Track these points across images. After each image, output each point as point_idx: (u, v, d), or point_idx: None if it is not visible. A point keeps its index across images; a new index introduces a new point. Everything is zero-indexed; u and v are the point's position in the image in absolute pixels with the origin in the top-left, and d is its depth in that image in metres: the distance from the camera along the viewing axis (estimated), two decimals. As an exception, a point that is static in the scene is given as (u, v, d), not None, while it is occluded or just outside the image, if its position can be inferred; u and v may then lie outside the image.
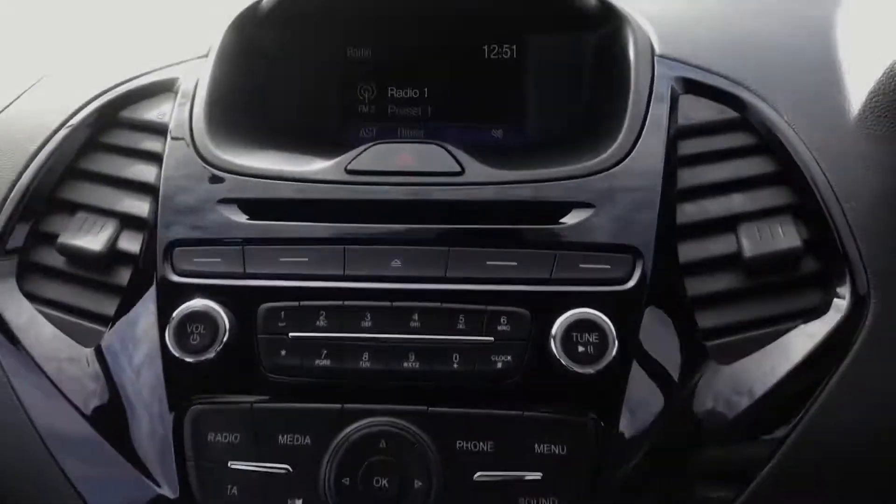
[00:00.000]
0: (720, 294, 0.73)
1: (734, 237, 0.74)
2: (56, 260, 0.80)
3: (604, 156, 0.75)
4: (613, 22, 0.86)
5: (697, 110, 0.80)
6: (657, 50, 0.84)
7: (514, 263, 0.72)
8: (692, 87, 0.82)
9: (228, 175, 0.77)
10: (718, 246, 0.74)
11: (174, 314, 0.71)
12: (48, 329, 0.78)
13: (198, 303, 0.71)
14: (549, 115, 0.90)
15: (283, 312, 0.72)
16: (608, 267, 0.71)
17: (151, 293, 0.75)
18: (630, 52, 0.83)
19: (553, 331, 0.69)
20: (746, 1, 0.97)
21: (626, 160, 0.75)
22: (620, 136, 0.76)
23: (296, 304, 0.72)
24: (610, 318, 0.68)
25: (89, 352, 0.76)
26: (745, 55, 0.85)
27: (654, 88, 0.80)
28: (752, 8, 0.94)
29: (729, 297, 0.73)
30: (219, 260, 0.74)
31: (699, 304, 0.73)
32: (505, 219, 0.74)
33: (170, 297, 0.73)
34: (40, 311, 0.78)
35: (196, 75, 0.85)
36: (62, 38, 0.97)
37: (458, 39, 0.91)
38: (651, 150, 0.75)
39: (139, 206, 0.80)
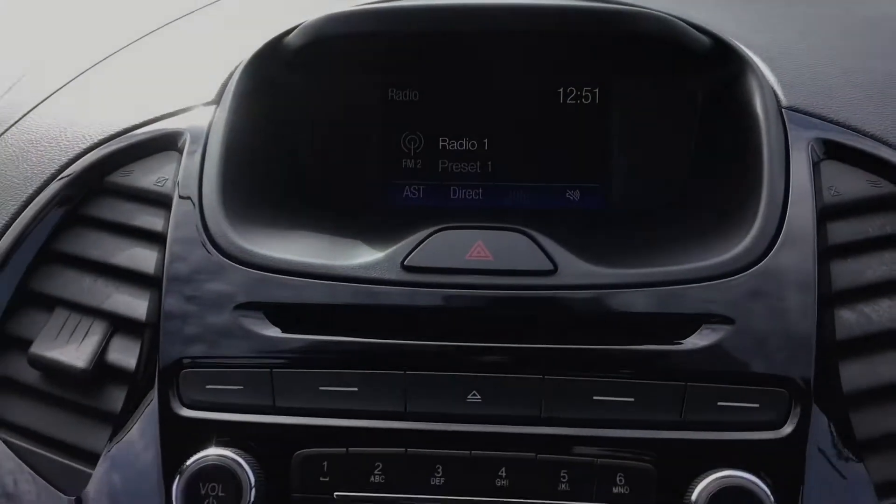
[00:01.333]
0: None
1: None
2: (28, 374, 0.63)
3: (740, 248, 0.58)
4: (731, 65, 0.69)
5: (845, 182, 0.63)
6: (783, 101, 0.67)
7: (631, 399, 0.56)
8: (836, 150, 0.65)
9: (251, 270, 0.59)
10: (889, 370, 0.58)
11: (183, 467, 0.55)
12: (16, 468, 0.61)
13: (213, 454, 0.54)
14: (639, 176, 0.73)
15: (325, 463, 0.56)
16: (756, 406, 0.54)
17: (152, 427, 0.59)
18: (756, 104, 0.66)
19: (693, 499, 0.51)
20: (873, 36, 0.79)
21: (772, 253, 0.58)
22: (759, 220, 0.59)
23: (342, 451, 0.56)
24: (766, 483, 0.51)
25: (69, 502, 0.59)
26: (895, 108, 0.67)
27: (791, 154, 0.63)
28: (885, 46, 0.77)
29: None
30: (240, 388, 0.58)
31: (870, 450, 0.56)
32: (613, 335, 0.57)
33: (176, 438, 0.57)
34: (6, 443, 0.62)
35: (204, 127, 0.67)
36: (37, 81, 0.78)
37: (527, 80, 0.74)
38: (800, 237, 0.59)
39: (134, 306, 0.62)
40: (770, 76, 0.70)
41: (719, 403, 0.55)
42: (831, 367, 0.57)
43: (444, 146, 0.76)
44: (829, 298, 0.59)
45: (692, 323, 0.57)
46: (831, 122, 0.67)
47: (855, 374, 0.58)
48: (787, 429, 0.55)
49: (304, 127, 0.74)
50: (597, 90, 0.74)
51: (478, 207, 0.75)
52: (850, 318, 0.59)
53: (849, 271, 0.60)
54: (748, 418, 0.55)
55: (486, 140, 0.75)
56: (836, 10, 0.86)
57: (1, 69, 0.80)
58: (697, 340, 0.57)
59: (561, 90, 0.74)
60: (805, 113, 0.67)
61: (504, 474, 0.55)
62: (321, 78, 0.74)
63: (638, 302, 0.58)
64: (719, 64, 0.70)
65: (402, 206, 0.75)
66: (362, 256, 0.61)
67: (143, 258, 0.64)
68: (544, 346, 0.57)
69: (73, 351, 0.62)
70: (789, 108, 0.67)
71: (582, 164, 0.74)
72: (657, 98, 0.73)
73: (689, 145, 0.73)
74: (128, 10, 0.91)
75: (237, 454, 0.55)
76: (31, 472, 0.61)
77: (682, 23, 0.68)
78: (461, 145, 0.75)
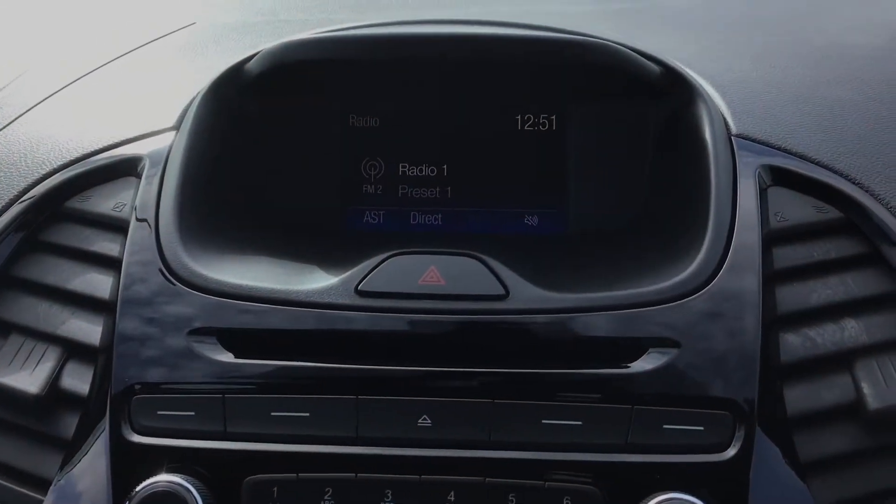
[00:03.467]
0: (838, 458, 0.57)
1: (850, 379, 0.58)
2: None
3: (686, 273, 0.59)
4: (680, 93, 0.70)
5: (791, 208, 0.65)
6: (733, 128, 0.68)
7: (579, 423, 0.56)
8: (782, 177, 0.66)
9: (205, 296, 0.59)
10: (832, 393, 0.59)
11: (133, 493, 0.55)
12: (-32, 496, 0.59)
13: (163, 481, 0.54)
14: (595, 200, 0.74)
15: (275, 489, 0.56)
16: (701, 429, 0.55)
17: (103, 454, 0.58)
18: (705, 131, 0.67)
19: None
20: (824, 64, 0.81)
21: (717, 278, 0.59)
22: (705, 245, 0.60)
23: (293, 476, 0.56)
24: None
25: (21, 530, 0.58)
26: (843, 136, 0.69)
27: (739, 180, 0.64)
28: (836, 74, 0.78)
29: (848, 461, 0.57)
30: (191, 414, 0.58)
31: (814, 472, 0.57)
32: (562, 359, 0.57)
33: (127, 464, 0.57)
34: (-42, 470, 0.60)
35: (164, 152, 0.68)
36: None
37: (484, 107, 0.75)
38: (745, 262, 0.60)
39: (89, 331, 0.62)
40: (721, 103, 0.71)
41: (665, 426, 0.56)
42: (776, 390, 0.58)
43: (404, 172, 0.76)
44: (775, 322, 0.60)
45: (639, 347, 0.58)
46: (779, 148, 0.68)
47: (799, 396, 0.58)
48: (731, 451, 0.55)
49: (264, 152, 0.75)
50: (553, 117, 0.75)
51: (437, 232, 0.75)
52: (794, 342, 0.60)
53: (794, 295, 0.61)
54: (693, 441, 0.56)
55: (445, 166, 0.76)
56: (789, 38, 0.88)
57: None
58: (644, 364, 0.57)
59: (518, 117, 0.75)
60: (753, 140, 0.68)
61: (453, 498, 0.55)
62: (281, 104, 0.74)
63: (586, 326, 0.58)
64: (670, 91, 0.71)
65: (362, 231, 0.75)
66: (317, 281, 0.61)
67: (98, 283, 0.64)
68: (494, 371, 0.57)
69: (27, 377, 0.61)
70: (738, 136, 0.68)
71: (540, 189, 0.75)
72: (612, 124, 0.74)
73: (645, 170, 0.73)
74: (87, 38, 0.92)
75: (187, 480, 0.55)
76: (-18, 499, 0.60)
77: (631, 52, 0.69)
78: (421, 171, 0.76)
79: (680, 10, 0.99)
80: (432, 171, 0.76)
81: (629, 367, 0.57)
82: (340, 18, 0.89)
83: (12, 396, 0.61)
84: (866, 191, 0.65)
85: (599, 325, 0.58)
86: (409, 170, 0.76)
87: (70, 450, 0.60)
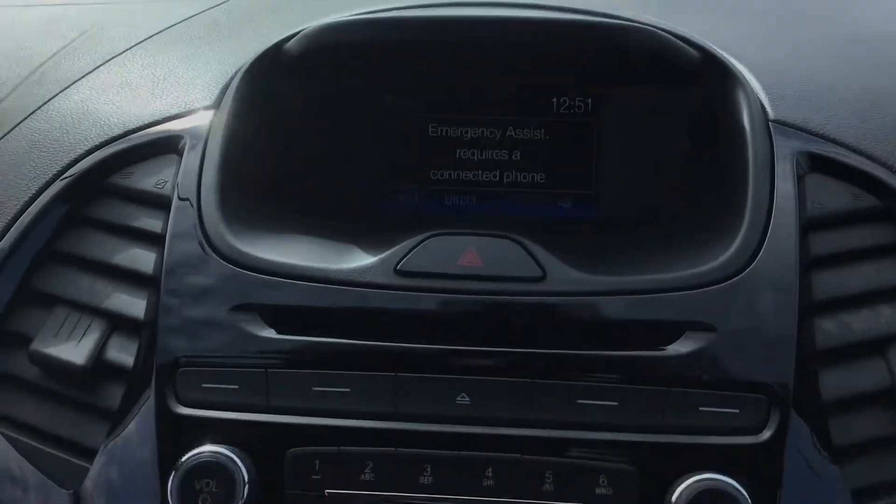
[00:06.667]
0: (872, 443, 0.58)
1: (884, 364, 0.59)
2: (28, 370, 0.64)
3: (723, 258, 0.59)
4: (719, 77, 0.70)
5: (828, 195, 0.65)
6: (771, 114, 0.68)
7: (615, 403, 0.57)
8: (820, 164, 0.66)
9: (247, 272, 0.60)
10: (867, 378, 0.59)
11: (179, 463, 0.56)
12: (16, 462, 0.62)
13: (208, 451, 0.55)
14: (630, 184, 0.74)
15: (317, 461, 0.57)
16: (736, 411, 0.56)
17: (149, 424, 0.60)
18: (743, 116, 0.67)
19: (673, 500, 0.53)
20: (860, 51, 0.80)
21: (755, 263, 0.59)
22: (743, 230, 0.60)
23: (334, 449, 0.57)
24: (744, 487, 0.53)
25: (67, 496, 0.60)
26: (880, 124, 0.69)
27: (777, 166, 0.64)
28: (872, 61, 0.78)
29: (881, 446, 0.58)
30: (235, 387, 0.59)
31: (847, 456, 0.57)
32: (599, 341, 0.58)
33: (172, 434, 0.59)
34: (6, 437, 0.63)
35: (204, 130, 0.68)
36: (38, 85, 0.79)
37: (522, 90, 0.75)
38: (782, 248, 0.60)
39: (133, 305, 0.63)
40: (758, 89, 0.71)
41: (700, 408, 0.57)
42: (811, 375, 0.59)
43: (440, 153, 0.77)
44: (810, 308, 0.60)
45: (676, 330, 0.58)
46: (817, 135, 0.68)
47: (834, 381, 0.59)
48: (766, 434, 0.56)
49: (301, 132, 0.75)
50: (589, 100, 0.75)
51: (471, 214, 0.76)
52: (830, 328, 0.60)
53: (830, 282, 0.62)
54: (728, 423, 0.57)
55: (480, 149, 0.77)
56: (828, 26, 0.87)
57: (1, 73, 0.82)
58: (680, 347, 0.58)
59: (555, 100, 0.76)
60: (792, 126, 0.68)
61: (490, 474, 0.56)
62: (319, 84, 0.75)
63: (623, 309, 0.59)
64: (708, 76, 0.71)
65: (397, 211, 0.76)
66: (357, 260, 0.62)
67: (142, 259, 0.65)
68: (532, 351, 0.58)
69: (73, 348, 0.63)
70: (776, 122, 0.68)
71: (574, 173, 0.75)
72: (648, 108, 0.74)
73: (679, 155, 0.74)
74: (125, 15, 0.92)
75: (231, 451, 0.56)
76: (31, 466, 0.61)
77: (670, 36, 0.69)
78: (456, 154, 0.77)
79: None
80: (468, 153, 0.76)
81: (665, 349, 0.58)
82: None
83: (59, 368, 0.62)
84: None
85: (636, 308, 0.59)
86: (444, 152, 0.76)
87: (116, 420, 0.61)
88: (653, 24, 0.71)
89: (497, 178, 0.76)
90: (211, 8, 0.91)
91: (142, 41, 0.84)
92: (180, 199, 0.65)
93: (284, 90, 0.74)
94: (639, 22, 0.71)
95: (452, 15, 0.71)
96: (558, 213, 0.75)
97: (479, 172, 0.76)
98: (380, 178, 0.76)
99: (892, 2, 0.94)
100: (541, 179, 0.76)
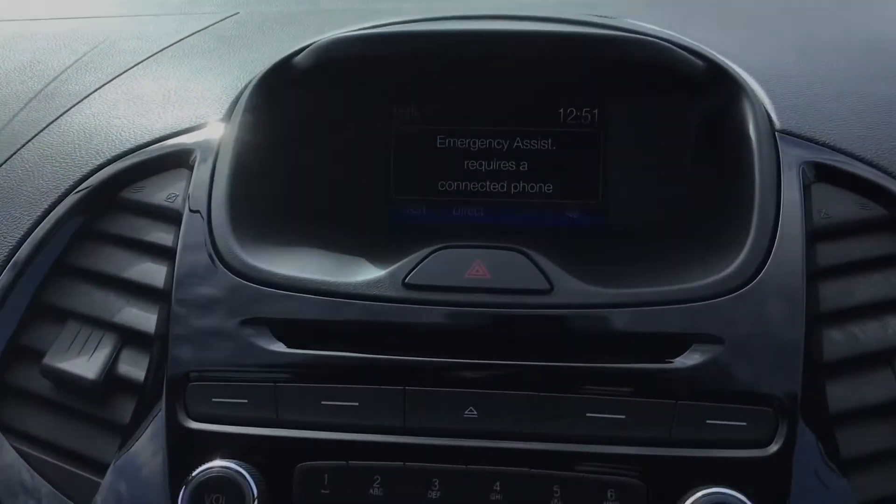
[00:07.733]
0: (881, 455, 0.58)
1: (892, 375, 0.59)
2: (40, 385, 0.65)
3: (730, 269, 0.59)
4: (724, 87, 0.70)
5: (835, 205, 0.65)
6: (777, 124, 0.68)
7: (622, 416, 0.57)
8: (826, 174, 0.66)
9: (257, 286, 0.61)
10: (875, 389, 0.59)
11: (189, 478, 0.57)
12: (28, 476, 0.63)
13: (218, 466, 0.56)
14: (636, 195, 0.74)
15: (326, 476, 0.57)
16: (744, 424, 0.56)
17: (159, 439, 0.60)
18: (749, 126, 0.67)
19: None
20: (867, 59, 0.80)
21: (761, 275, 0.59)
22: (749, 241, 0.60)
23: (343, 464, 0.57)
24: (752, 500, 0.53)
25: (80, 509, 0.60)
26: (887, 133, 0.69)
27: (783, 176, 0.64)
28: (879, 69, 0.78)
29: (890, 458, 0.58)
30: (245, 401, 0.59)
31: (855, 469, 0.57)
32: (606, 353, 0.58)
33: (183, 449, 0.59)
34: (18, 451, 0.63)
35: (214, 144, 0.69)
36: (50, 100, 0.80)
37: (528, 101, 0.75)
38: (789, 259, 0.60)
39: (144, 319, 0.64)
40: (764, 98, 0.71)
41: (707, 421, 0.57)
42: (818, 387, 0.58)
43: (447, 165, 0.77)
44: (818, 319, 0.60)
45: (682, 342, 0.58)
46: (823, 145, 0.68)
47: (841, 393, 0.59)
48: (774, 447, 0.56)
49: (310, 145, 0.76)
50: (596, 111, 0.75)
51: (479, 225, 0.76)
52: (837, 339, 0.60)
53: (837, 292, 0.61)
54: (736, 436, 0.57)
55: (488, 160, 0.77)
56: (835, 33, 0.87)
57: (15, 87, 0.83)
58: (687, 359, 0.58)
59: (561, 111, 0.76)
60: (798, 136, 0.68)
61: (498, 488, 0.57)
62: (329, 97, 0.75)
63: (630, 321, 0.59)
64: (714, 86, 0.71)
65: (405, 224, 0.76)
66: (365, 274, 0.62)
67: (153, 273, 0.65)
68: (539, 364, 0.59)
69: (84, 363, 0.63)
70: (782, 132, 0.68)
71: (581, 183, 0.75)
72: (654, 118, 0.74)
73: (685, 165, 0.74)
74: (137, 28, 0.93)
75: (241, 466, 0.57)
76: (43, 480, 0.62)
77: (674, 47, 0.69)
78: (464, 165, 0.77)
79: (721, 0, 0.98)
80: (476, 164, 0.77)
81: (672, 362, 0.58)
82: (382, 8, 0.90)
83: (70, 382, 0.63)
84: None
85: (643, 321, 0.59)
86: (452, 164, 0.77)
87: (126, 434, 0.61)
88: (658, 35, 0.71)
89: (505, 189, 0.76)
90: (221, 21, 0.92)
91: (153, 55, 0.85)
92: (191, 212, 0.66)
93: (294, 103, 0.74)
94: (644, 34, 0.71)
95: (461, 29, 0.71)
96: (566, 224, 0.75)
97: (487, 183, 0.76)
98: (388, 190, 0.76)
99: (900, 9, 0.94)
100: (548, 190, 0.76)
